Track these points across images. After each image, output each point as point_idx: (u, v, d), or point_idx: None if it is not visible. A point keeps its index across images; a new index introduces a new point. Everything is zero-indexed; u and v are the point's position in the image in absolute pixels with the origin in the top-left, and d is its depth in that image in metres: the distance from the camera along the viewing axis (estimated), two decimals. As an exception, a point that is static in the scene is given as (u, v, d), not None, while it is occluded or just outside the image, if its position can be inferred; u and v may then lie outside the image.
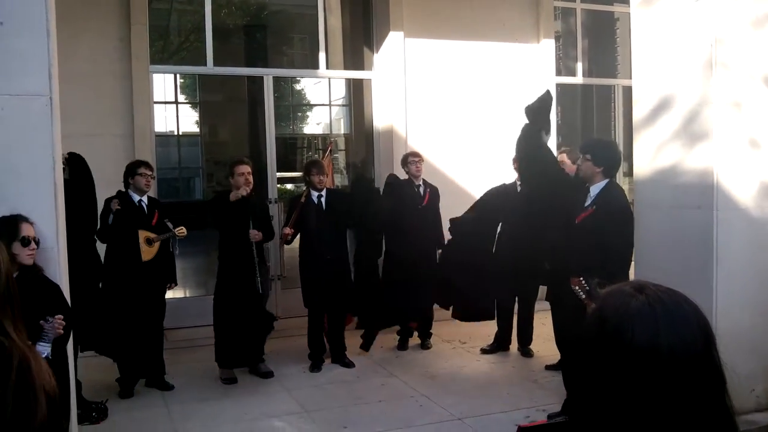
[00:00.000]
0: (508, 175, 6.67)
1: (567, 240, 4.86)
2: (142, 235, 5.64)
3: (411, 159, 6.75)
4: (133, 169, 5.72)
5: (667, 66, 4.91)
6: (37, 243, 3.44)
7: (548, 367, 6.09)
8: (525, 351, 6.63)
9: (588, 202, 4.82)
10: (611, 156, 4.97)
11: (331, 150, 7.47)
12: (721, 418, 1.13)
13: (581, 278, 4.29)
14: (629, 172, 6.21)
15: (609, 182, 4.84)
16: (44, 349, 3.11)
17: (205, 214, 6.09)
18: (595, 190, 4.80)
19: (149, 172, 5.74)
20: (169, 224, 5.85)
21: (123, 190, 5.72)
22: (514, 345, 6.75)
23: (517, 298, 6.60)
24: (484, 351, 6.70)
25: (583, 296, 4.24)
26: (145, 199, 5.77)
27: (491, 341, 6.77)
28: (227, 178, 6.25)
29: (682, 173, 4.73)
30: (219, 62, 7.79)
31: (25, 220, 3.41)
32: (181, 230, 5.88)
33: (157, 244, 5.69)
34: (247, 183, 5.90)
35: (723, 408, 1.13)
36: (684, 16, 4.77)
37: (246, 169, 5.96)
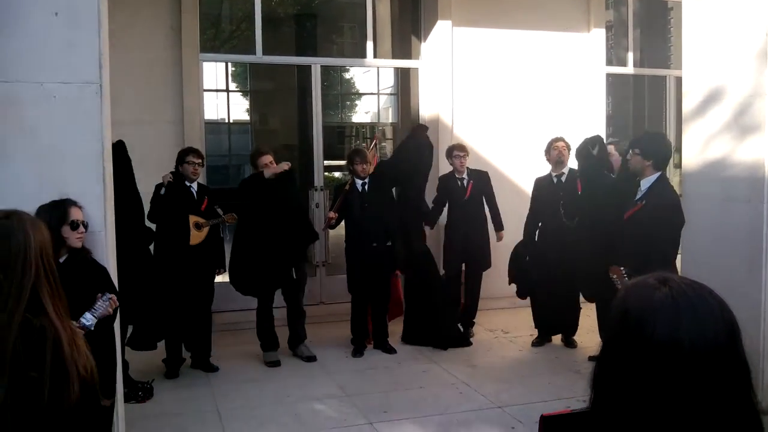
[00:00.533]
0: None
1: (617, 236, 4.83)
2: (192, 219, 5.76)
3: (456, 153, 6.77)
4: (182, 157, 5.87)
5: (719, 57, 4.80)
6: (86, 226, 3.52)
7: (591, 358, 6.05)
8: (569, 341, 6.61)
9: (638, 196, 4.78)
10: (660, 149, 4.90)
11: (377, 142, 7.50)
12: (745, 414, 1.12)
13: (622, 268, 4.28)
14: (679, 164, 6.09)
15: (660, 176, 4.79)
16: (88, 321, 3.18)
17: (242, 198, 6.16)
18: (645, 184, 4.75)
19: (197, 160, 5.85)
20: (219, 210, 5.98)
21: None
22: (558, 335, 6.72)
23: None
24: (534, 344, 6.68)
25: (620, 287, 4.19)
26: (195, 185, 5.89)
27: (536, 334, 6.75)
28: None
29: (731, 166, 4.63)
30: (268, 51, 7.86)
31: (74, 203, 3.49)
32: (232, 216, 6.00)
33: (206, 230, 5.81)
34: (266, 166, 6.04)
35: (748, 404, 1.12)
36: (737, 5, 4.65)
37: (268, 158, 6.10)
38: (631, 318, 1.14)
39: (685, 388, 1.08)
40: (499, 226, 6.88)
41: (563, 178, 6.49)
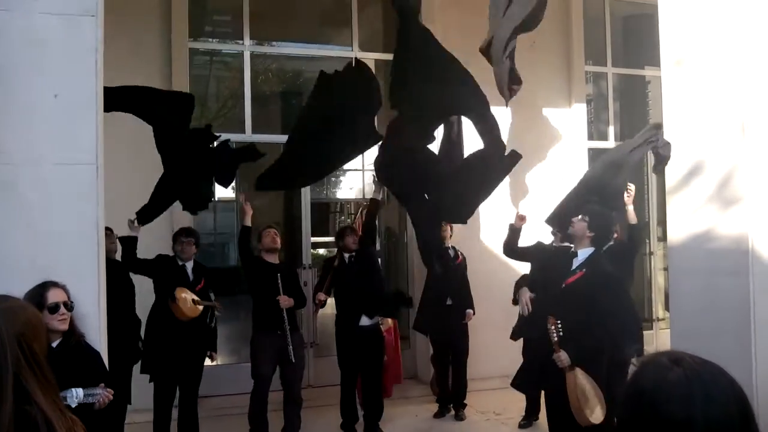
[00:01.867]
0: (537, 235, 6.68)
1: (555, 304, 4.87)
2: (190, 294, 5.71)
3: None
4: (174, 236, 5.91)
5: (699, 129, 4.92)
6: (69, 307, 3.44)
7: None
8: None
9: (575, 266, 4.84)
10: (606, 227, 5.02)
11: (362, 213, 7.57)
12: None
13: (558, 321, 4.44)
14: (663, 237, 6.18)
15: (596, 251, 4.88)
16: (74, 397, 3.11)
17: (239, 280, 6.22)
18: (583, 254, 4.85)
19: (185, 239, 5.88)
20: (212, 295, 5.97)
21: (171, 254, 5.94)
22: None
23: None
24: (521, 426, 6.61)
25: (555, 338, 4.45)
26: (190, 264, 5.89)
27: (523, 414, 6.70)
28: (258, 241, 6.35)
29: (716, 238, 4.70)
30: (257, 129, 7.99)
31: (54, 285, 3.42)
32: (220, 306, 5.99)
33: (201, 307, 5.78)
34: (274, 242, 6.05)
35: None
36: (715, 80, 4.80)
37: (273, 231, 6.19)
38: (645, 397, 1.16)
39: None
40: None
41: None
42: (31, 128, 3.54)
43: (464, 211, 5.89)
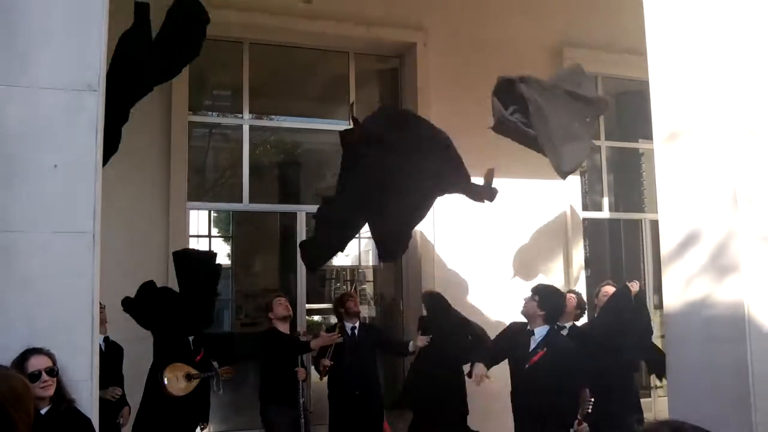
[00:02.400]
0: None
1: (522, 384, 4.97)
2: (183, 369, 5.66)
3: None
4: None
5: (693, 200, 4.98)
6: (53, 373, 3.42)
7: None
8: None
9: (534, 346, 4.88)
10: (557, 305, 5.10)
11: (356, 287, 7.60)
12: None
13: (592, 398, 4.60)
14: (659, 305, 6.19)
15: (551, 328, 4.94)
16: None
17: (232, 346, 6.18)
18: (539, 333, 4.92)
19: None
20: (215, 363, 5.92)
21: None
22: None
23: None
24: None
25: (586, 411, 4.69)
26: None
27: None
28: (259, 310, 6.33)
29: (712, 306, 4.70)
30: (254, 199, 8.07)
31: (37, 351, 3.40)
32: (227, 370, 5.93)
33: (195, 382, 5.71)
34: (287, 310, 6.04)
35: None
36: (707, 153, 4.88)
37: (285, 300, 6.16)
38: None
39: None
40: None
41: None
42: (31, 197, 3.59)
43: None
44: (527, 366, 4.84)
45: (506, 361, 5.45)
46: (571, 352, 4.99)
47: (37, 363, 3.38)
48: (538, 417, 4.74)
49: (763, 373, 4.45)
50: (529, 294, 5.08)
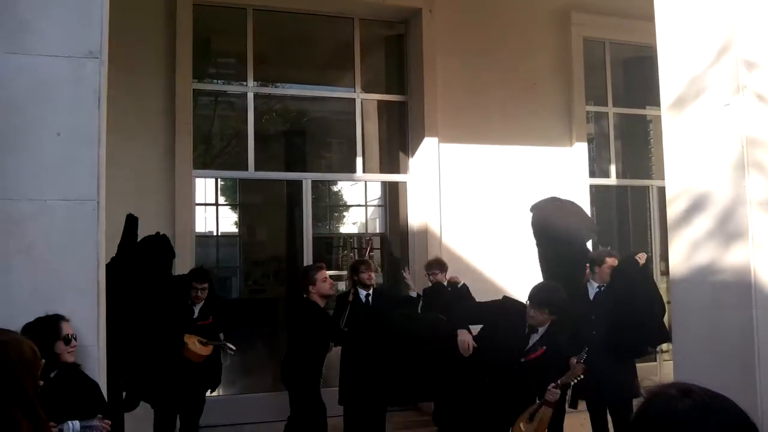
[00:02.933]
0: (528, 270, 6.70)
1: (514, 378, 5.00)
2: (194, 337, 5.70)
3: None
4: (188, 281, 5.90)
5: (700, 167, 4.95)
6: (75, 339, 3.53)
7: None
8: None
9: (534, 342, 5.00)
10: (564, 302, 5.09)
11: (371, 247, 7.56)
12: None
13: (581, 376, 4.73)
14: (666, 272, 6.18)
15: (550, 324, 5.00)
16: (70, 429, 3.11)
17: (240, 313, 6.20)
18: (542, 330, 4.93)
19: (198, 285, 5.89)
20: (221, 335, 5.96)
21: None
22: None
23: None
24: None
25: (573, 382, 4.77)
26: (200, 304, 5.90)
27: None
28: (266, 277, 6.33)
29: (718, 272, 4.69)
30: (260, 167, 8.06)
31: (63, 318, 3.51)
32: (231, 348, 5.97)
33: (211, 346, 5.77)
34: (331, 286, 6.01)
35: None
36: (714, 119, 4.84)
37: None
38: (654, 428, 1.15)
39: None
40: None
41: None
42: (35, 165, 3.60)
43: None
44: (523, 360, 4.85)
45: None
46: (569, 350, 5.02)
47: (66, 328, 3.49)
48: (510, 398, 4.84)
49: (769, 339, 4.46)
50: (535, 306, 5.01)
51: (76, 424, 3.08)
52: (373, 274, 6.45)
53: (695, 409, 1.14)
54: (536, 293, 5.02)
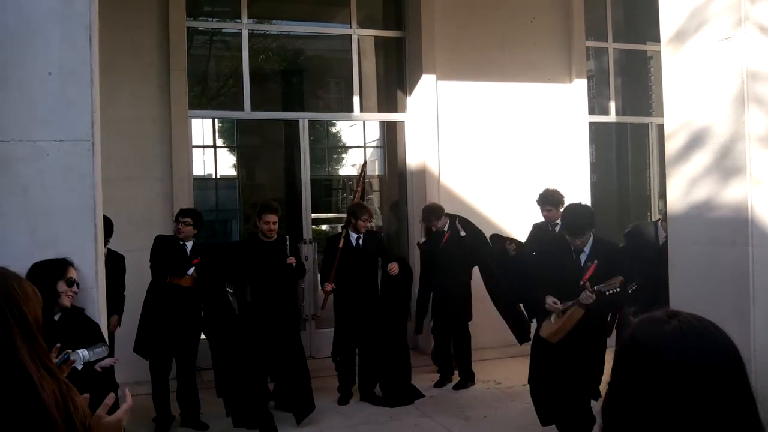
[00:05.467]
0: (539, 210, 6.69)
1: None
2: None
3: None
4: (176, 217, 5.94)
5: (699, 102, 4.90)
6: (78, 287, 3.55)
7: None
8: None
9: (584, 260, 5.01)
10: (588, 216, 5.07)
11: (364, 174, 7.58)
12: None
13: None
14: (664, 209, 6.20)
15: (594, 239, 5.02)
16: (81, 358, 3.16)
17: (235, 259, 6.20)
18: (588, 248, 4.95)
19: (182, 219, 5.87)
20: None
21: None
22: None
23: None
24: None
25: (610, 292, 4.76)
26: (189, 243, 5.89)
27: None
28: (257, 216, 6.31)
29: (715, 208, 4.70)
30: (256, 107, 7.98)
31: (72, 264, 3.54)
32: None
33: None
34: (270, 232, 6.03)
35: (755, 427, 1.15)
36: (714, 54, 4.77)
37: (273, 218, 6.10)
38: (642, 348, 1.19)
39: (693, 410, 1.13)
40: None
41: (557, 228, 6.61)
42: (26, 106, 3.55)
43: None
44: (582, 282, 4.90)
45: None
46: (618, 251, 5.12)
47: (73, 273, 3.52)
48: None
49: (764, 275, 4.48)
50: (576, 233, 5.03)
51: (84, 352, 3.13)
52: (370, 224, 6.50)
53: (680, 330, 1.18)
54: (573, 220, 5.06)
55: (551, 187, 6.70)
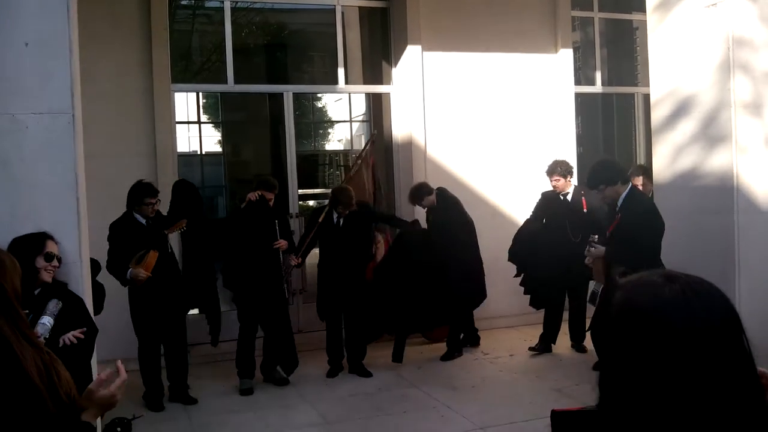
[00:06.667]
0: (526, 181, 6.70)
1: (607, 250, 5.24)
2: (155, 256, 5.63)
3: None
4: (139, 199, 5.71)
5: (685, 70, 4.90)
6: (59, 261, 3.50)
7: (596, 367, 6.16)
8: (579, 347, 6.89)
9: (616, 210, 5.14)
10: (611, 168, 5.12)
11: (372, 143, 7.58)
12: (754, 396, 1.15)
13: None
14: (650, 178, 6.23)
15: (630, 188, 4.98)
16: (46, 324, 3.14)
17: (225, 230, 6.21)
18: (621, 200, 4.95)
19: (153, 200, 5.73)
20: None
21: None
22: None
23: (567, 296, 6.86)
24: (532, 349, 6.91)
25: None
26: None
27: (536, 342, 6.95)
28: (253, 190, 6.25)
29: (701, 176, 4.71)
30: (240, 81, 7.89)
31: (51, 238, 3.48)
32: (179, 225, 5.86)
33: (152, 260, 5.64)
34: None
35: (755, 387, 1.15)
36: (699, 21, 4.76)
37: (269, 196, 6.18)
38: (643, 314, 1.16)
39: (697, 372, 1.11)
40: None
41: (569, 197, 6.70)
42: (3, 77, 3.48)
43: None
44: (608, 234, 5.14)
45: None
46: (642, 211, 5.06)
47: (51, 246, 3.47)
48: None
49: (749, 244, 4.52)
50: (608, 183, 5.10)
51: (46, 318, 3.11)
52: (345, 212, 6.41)
53: (682, 292, 1.16)
54: (599, 173, 5.18)
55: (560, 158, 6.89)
